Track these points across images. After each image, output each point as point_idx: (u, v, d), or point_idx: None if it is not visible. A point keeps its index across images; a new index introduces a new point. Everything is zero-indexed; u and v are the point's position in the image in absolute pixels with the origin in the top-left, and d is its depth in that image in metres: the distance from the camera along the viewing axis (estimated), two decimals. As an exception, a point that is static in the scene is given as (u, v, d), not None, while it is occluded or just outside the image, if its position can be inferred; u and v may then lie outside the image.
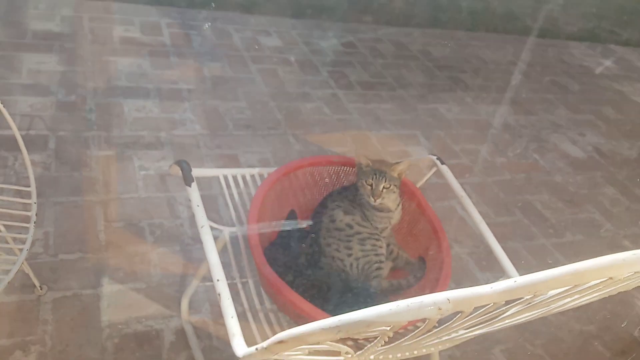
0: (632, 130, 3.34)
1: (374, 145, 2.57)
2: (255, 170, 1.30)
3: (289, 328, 1.08)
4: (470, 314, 0.59)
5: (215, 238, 1.18)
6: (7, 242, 1.28)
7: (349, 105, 2.85)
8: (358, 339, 0.84)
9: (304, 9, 3.96)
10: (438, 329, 0.65)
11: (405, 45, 3.78)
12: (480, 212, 1.27)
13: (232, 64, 2.98)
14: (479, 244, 2.06)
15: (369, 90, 3.05)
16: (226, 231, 1.18)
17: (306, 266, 1.13)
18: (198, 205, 0.97)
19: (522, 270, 1.20)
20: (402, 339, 0.69)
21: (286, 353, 0.73)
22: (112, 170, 2.02)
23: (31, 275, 1.42)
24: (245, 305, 1.10)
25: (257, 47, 3.24)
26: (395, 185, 1.23)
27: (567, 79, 3.88)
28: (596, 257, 0.53)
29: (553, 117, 3.28)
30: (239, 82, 2.81)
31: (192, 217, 1.88)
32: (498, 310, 0.62)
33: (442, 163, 1.33)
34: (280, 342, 0.59)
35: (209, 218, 1.19)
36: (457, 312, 0.58)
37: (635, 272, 0.54)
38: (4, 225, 1.29)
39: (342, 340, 0.80)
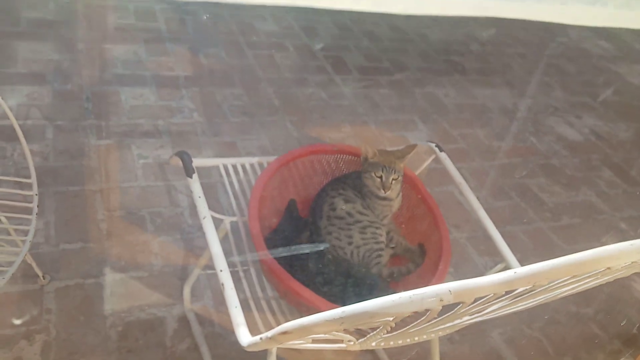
0: (628, 112, 3.34)
1: (372, 130, 2.57)
2: (255, 160, 1.30)
3: (291, 315, 1.11)
4: (471, 303, 0.60)
5: (216, 227, 1.19)
6: (9, 234, 1.29)
7: (346, 91, 2.84)
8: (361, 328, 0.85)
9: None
10: (439, 318, 0.66)
11: (401, 28, 3.76)
12: (478, 197, 1.28)
13: (228, 49, 2.96)
14: (477, 229, 2.07)
15: (366, 75, 3.04)
16: (227, 220, 1.19)
17: (307, 255, 1.14)
18: (200, 197, 0.98)
19: (520, 254, 1.22)
20: (404, 328, 0.71)
21: (290, 342, 0.75)
22: (111, 159, 2.02)
23: (34, 265, 1.43)
24: (248, 294, 1.12)
25: (252, 34, 3.22)
26: (401, 176, 1.24)
27: (564, 61, 3.87)
28: (593, 240, 0.55)
29: (550, 99, 3.29)
30: (236, 69, 2.80)
31: (192, 206, 1.89)
32: (498, 300, 0.64)
33: (441, 150, 1.33)
34: (285, 332, 0.61)
35: (209, 206, 1.20)
36: (459, 303, 0.59)
37: (632, 262, 0.55)
38: (6, 217, 1.29)
39: (346, 330, 0.81)
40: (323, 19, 3.62)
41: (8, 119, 1.26)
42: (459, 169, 1.35)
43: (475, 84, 3.24)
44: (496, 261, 1.91)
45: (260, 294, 1.13)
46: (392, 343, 0.93)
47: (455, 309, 0.61)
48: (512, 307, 0.74)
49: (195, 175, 1.02)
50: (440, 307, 0.56)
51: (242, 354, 1.44)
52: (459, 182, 1.26)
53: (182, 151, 1.07)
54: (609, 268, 0.56)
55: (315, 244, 1.17)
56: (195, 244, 1.75)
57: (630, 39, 4.58)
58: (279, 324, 0.70)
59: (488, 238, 1.21)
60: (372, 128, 2.59)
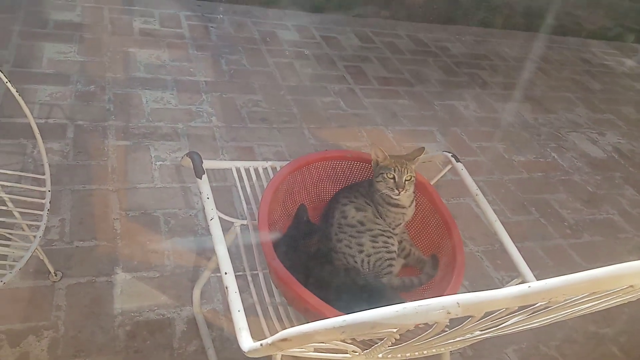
0: (654, 131, 3.27)
1: (390, 140, 2.55)
2: (268, 164, 1.29)
3: (298, 322, 1.08)
4: (481, 318, 0.57)
5: (227, 230, 1.19)
6: (22, 229, 1.30)
7: (365, 101, 2.83)
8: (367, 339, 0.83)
9: (323, 4, 3.94)
10: (447, 332, 0.64)
11: (423, 41, 3.74)
12: (496, 211, 1.25)
13: (250, 56, 2.97)
14: (494, 242, 2.03)
15: (386, 86, 3.03)
16: (237, 224, 1.18)
17: (316, 261, 1.13)
18: (208, 198, 0.97)
19: (538, 270, 1.18)
20: (410, 340, 0.68)
21: (292, 350, 0.73)
22: (129, 159, 2.04)
23: (46, 261, 1.44)
24: (255, 298, 1.10)
25: (268, 39, 3.23)
26: (414, 177, 1.22)
27: (588, 77, 3.81)
28: (615, 259, 0.52)
29: (572, 115, 3.23)
30: (256, 75, 2.81)
31: (205, 209, 1.88)
32: (511, 315, 0.61)
33: (457, 160, 1.31)
34: (285, 339, 0.59)
35: (223, 210, 1.19)
36: (468, 316, 0.57)
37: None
38: (20, 212, 1.30)
39: (351, 340, 0.79)
40: (345, 29, 3.62)
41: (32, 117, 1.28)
42: (477, 181, 1.32)
43: (497, 98, 3.20)
44: (513, 276, 1.87)
45: (267, 299, 1.12)
46: (399, 356, 0.90)
47: (464, 323, 0.59)
48: (527, 323, 0.72)
49: (204, 177, 1.02)
50: (447, 321, 0.54)
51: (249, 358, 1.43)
52: (475, 192, 1.23)
53: (192, 152, 1.06)
54: (631, 286, 0.53)
55: (324, 250, 1.15)
56: (207, 247, 1.74)
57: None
58: (285, 330, 0.69)
59: (505, 252, 1.18)
60: (390, 138, 2.57)
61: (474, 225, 2.11)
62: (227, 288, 0.84)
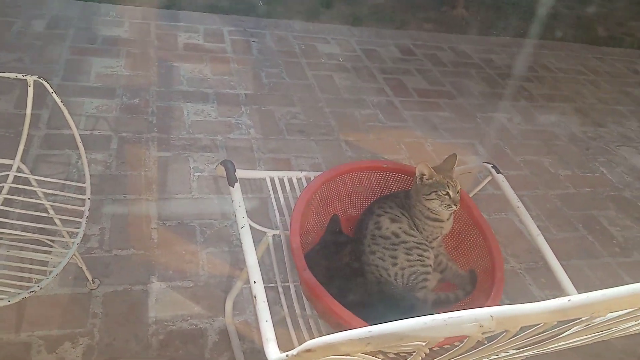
0: None
1: (429, 153, 2.50)
2: (302, 174, 1.28)
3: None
4: (517, 333, 0.53)
5: (259, 240, 1.18)
6: (62, 236, 1.33)
7: (405, 113, 2.79)
8: (395, 353, 0.79)
9: (364, 17, 3.94)
10: (479, 348, 0.60)
11: (466, 53, 3.68)
12: (540, 227, 1.19)
13: (289, 70, 3.00)
14: (537, 260, 1.95)
15: (426, 98, 2.98)
16: (270, 233, 1.17)
17: (348, 273, 1.10)
18: (240, 206, 0.97)
19: (584, 289, 1.10)
20: (441, 356, 0.64)
21: (318, 362, 0.70)
22: (169, 170, 2.07)
23: (84, 268, 1.47)
24: (285, 310, 1.08)
25: (314, 56, 3.25)
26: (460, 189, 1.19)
27: (641, 89, 3.65)
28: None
29: (623, 129, 3.08)
30: (295, 88, 2.82)
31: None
32: (550, 332, 0.57)
33: (498, 172, 1.26)
34: (309, 350, 0.56)
35: (258, 222, 1.18)
36: (503, 331, 0.53)
37: None
38: (61, 220, 1.34)
39: (378, 353, 0.76)
40: (385, 41, 3.60)
41: (78, 129, 1.32)
42: (520, 196, 1.26)
43: (543, 111, 3.10)
44: (557, 295, 1.77)
45: (298, 311, 1.09)
46: (432, 374, 0.86)
47: (498, 338, 0.55)
48: (568, 341, 0.67)
49: (237, 185, 1.01)
50: (481, 334, 0.50)
51: (280, 374, 1.40)
52: (516, 205, 1.17)
53: (226, 160, 1.06)
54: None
55: (357, 262, 1.12)
56: (241, 258, 1.74)
57: None
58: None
59: (549, 270, 1.12)
60: (429, 150, 2.52)
61: (516, 241, 2.03)
62: (255, 297, 0.82)
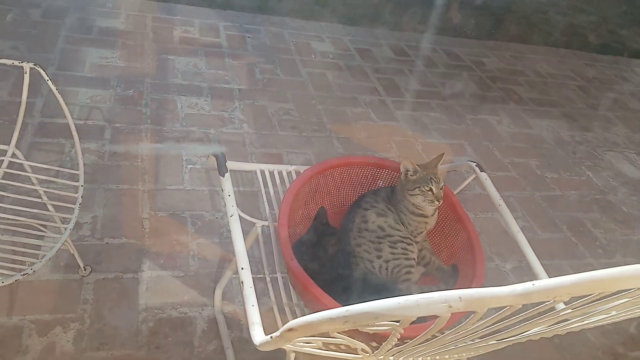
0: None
1: (419, 152, 2.54)
2: (292, 167, 1.31)
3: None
4: (485, 316, 0.57)
5: (249, 232, 1.21)
6: (55, 222, 1.35)
7: (396, 112, 2.83)
8: (373, 334, 0.83)
9: (359, 17, 3.98)
10: (451, 330, 0.63)
11: (458, 55, 3.73)
12: (525, 227, 1.24)
13: (284, 66, 3.03)
14: (521, 259, 1.98)
15: (418, 99, 3.02)
16: (259, 224, 1.20)
17: (334, 264, 1.13)
18: (229, 195, 1.00)
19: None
20: (415, 338, 0.68)
21: (300, 343, 0.74)
22: (161, 162, 2.10)
23: (76, 255, 1.50)
24: (273, 300, 1.12)
25: (312, 55, 3.28)
26: (444, 185, 1.22)
27: (628, 97, 3.71)
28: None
29: (610, 135, 3.14)
30: (289, 85, 2.85)
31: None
32: (517, 316, 0.60)
33: (482, 170, 1.30)
34: (291, 329, 0.60)
35: (248, 212, 1.21)
36: (471, 313, 0.57)
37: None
38: (54, 206, 1.36)
39: (359, 336, 0.79)
40: (379, 42, 3.64)
41: (72, 118, 1.34)
42: (506, 197, 1.31)
43: (532, 114, 3.15)
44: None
45: (285, 300, 1.13)
46: (411, 359, 0.90)
47: (469, 319, 0.58)
48: (539, 330, 0.70)
49: (227, 175, 1.04)
50: (449, 315, 0.54)
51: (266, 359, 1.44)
52: (498, 203, 1.21)
53: (217, 151, 1.09)
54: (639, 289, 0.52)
55: (343, 254, 1.16)
56: (231, 248, 1.77)
57: None
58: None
59: (530, 266, 1.15)
60: (419, 150, 2.56)
61: (501, 240, 2.07)
62: (242, 283, 0.86)
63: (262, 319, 0.82)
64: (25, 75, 1.31)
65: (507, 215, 1.19)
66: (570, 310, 0.60)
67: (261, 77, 2.86)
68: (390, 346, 0.71)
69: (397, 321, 0.57)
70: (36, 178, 1.38)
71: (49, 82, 1.30)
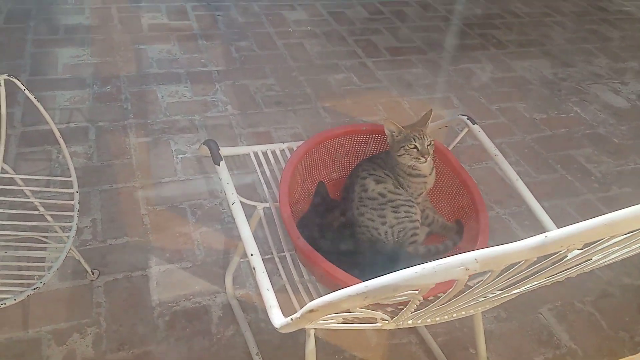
0: (681, 74, 3.16)
1: (407, 111, 2.53)
2: (285, 145, 1.30)
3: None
4: (502, 272, 0.58)
5: (251, 215, 1.21)
6: (56, 232, 1.35)
7: (379, 73, 2.81)
8: (391, 304, 0.84)
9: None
10: (470, 289, 0.64)
11: (432, 6, 3.68)
12: (520, 172, 1.24)
13: (259, 41, 2.97)
14: (520, 204, 2.01)
15: (398, 56, 2.99)
16: (260, 207, 1.20)
17: (340, 236, 1.14)
18: (228, 183, 0.99)
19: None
20: (434, 302, 0.69)
21: (321, 321, 0.75)
22: (151, 155, 2.08)
23: (82, 261, 1.49)
24: (284, 278, 1.13)
25: (281, 24, 3.22)
26: (432, 142, 1.22)
27: (606, 26, 3.69)
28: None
29: (593, 67, 3.14)
30: (267, 59, 2.81)
31: (230, 196, 1.91)
32: (531, 268, 0.61)
33: (473, 123, 1.29)
34: (311, 310, 0.61)
35: (246, 196, 1.21)
36: (488, 272, 0.57)
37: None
38: (52, 216, 1.35)
39: (377, 306, 0.81)
40: (351, 2, 3.58)
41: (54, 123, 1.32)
42: (498, 143, 1.31)
43: (513, 57, 3.13)
44: (541, 236, 1.85)
45: (297, 278, 1.14)
46: (429, 320, 0.91)
47: (485, 278, 0.59)
48: (553, 276, 0.72)
49: (222, 163, 1.03)
50: (467, 277, 0.54)
51: (284, 338, 1.46)
52: (494, 153, 1.22)
53: (209, 140, 1.08)
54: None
55: (347, 225, 1.16)
56: (234, 233, 1.78)
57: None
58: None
59: (532, 212, 1.17)
60: (407, 108, 2.55)
61: (499, 188, 2.09)
62: (254, 269, 0.86)
63: (276, 297, 0.83)
64: (0, 88, 1.27)
65: (504, 165, 1.20)
66: (583, 256, 0.60)
67: (238, 56, 2.82)
68: (409, 313, 0.72)
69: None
70: (29, 190, 1.37)
71: (26, 92, 1.27)
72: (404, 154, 1.20)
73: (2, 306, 1.04)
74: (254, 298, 1.58)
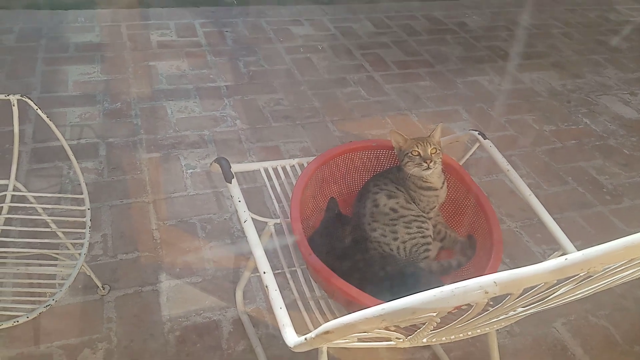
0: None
1: (415, 124, 2.53)
2: (295, 161, 1.30)
3: (340, 314, 1.09)
4: (521, 294, 0.57)
5: (261, 230, 1.20)
6: (67, 248, 1.35)
7: (386, 87, 2.81)
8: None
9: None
10: (488, 311, 0.64)
11: (439, 19, 3.69)
12: (531, 184, 1.23)
13: (267, 56, 2.99)
14: (532, 217, 2.00)
15: (405, 69, 3.00)
16: (271, 223, 1.20)
17: (352, 252, 1.13)
18: (240, 201, 0.99)
19: (580, 240, 1.15)
20: (452, 322, 0.68)
21: (336, 341, 0.74)
22: (161, 171, 2.09)
23: (92, 276, 1.50)
24: (296, 294, 1.12)
25: (281, 39, 3.24)
26: (440, 150, 1.21)
27: (614, 37, 3.69)
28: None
29: (601, 78, 3.13)
30: (275, 74, 2.83)
31: (239, 211, 1.91)
32: (551, 289, 0.60)
33: (485, 138, 1.29)
34: (327, 332, 0.60)
35: (256, 211, 1.21)
36: (507, 294, 0.57)
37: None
38: (64, 232, 1.36)
39: (394, 327, 0.80)
40: (358, 17, 3.60)
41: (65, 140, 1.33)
42: (508, 156, 1.30)
43: (521, 68, 3.13)
44: (554, 249, 1.83)
45: (308, 294, 1.13)
46: (444, 339, 0.90)
47: (504, 301, 0.58)
48: (570, 295, 0.71)
49: (234, 180, 1.03)
50: (486, 300, 0.54)
51: (296, 354, 1.45)
52: (506, 168, 1.21)
53: (220, 157, 1.08)
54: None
55: (359, 240, 1.16)
56: (244, 248, 1.78)
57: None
58: (328, 323, 0.69)
59: (544, 225, 1.16)
60: (415, 122, 2.55)
61: (509, 201, 2.08)
62: (267, 287, 0.86)
63: (288, 314, 0.82)
64: (13, 107, 1.29)
65: (516, 180, 1.19)
66: (603, 277, 0.59)
67: (246, 71, 2.83)
68: (425, 333, 0.72)
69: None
70: (41, 207, 1.37)
71: (38, 111, 1.28)
72: (408, 161, 1.20)
73: (15, 324, 1.04)
74: (264, 313, 1.57)
